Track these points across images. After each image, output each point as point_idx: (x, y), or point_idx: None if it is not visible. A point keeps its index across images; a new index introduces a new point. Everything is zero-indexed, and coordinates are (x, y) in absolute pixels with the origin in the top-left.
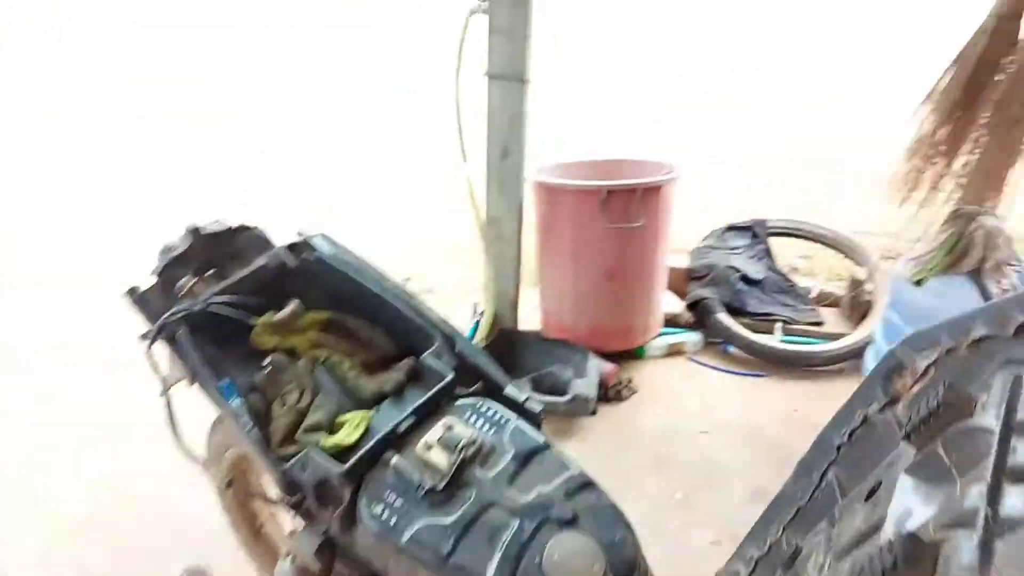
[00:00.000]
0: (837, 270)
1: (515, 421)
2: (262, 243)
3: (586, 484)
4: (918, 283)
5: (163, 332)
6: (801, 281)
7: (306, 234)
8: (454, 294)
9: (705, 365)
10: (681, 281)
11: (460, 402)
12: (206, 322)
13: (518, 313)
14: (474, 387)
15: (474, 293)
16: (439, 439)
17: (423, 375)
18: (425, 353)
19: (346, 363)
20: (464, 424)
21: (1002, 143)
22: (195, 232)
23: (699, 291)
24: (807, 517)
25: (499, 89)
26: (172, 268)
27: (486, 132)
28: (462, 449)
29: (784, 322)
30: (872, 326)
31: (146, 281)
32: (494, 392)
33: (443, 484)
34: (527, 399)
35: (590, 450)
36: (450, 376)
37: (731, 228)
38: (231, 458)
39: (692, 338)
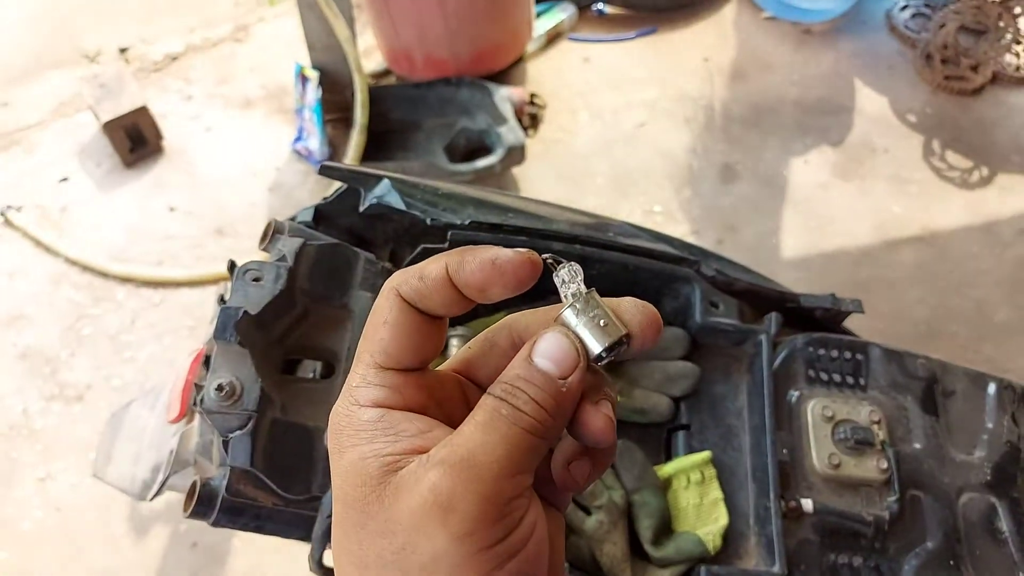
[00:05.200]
0: None
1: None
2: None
3: None
4: None
5: None
6: None
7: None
8: (259, 47)
9: (591, 40)
10: None
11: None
12: None
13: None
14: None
15: (288, 48)
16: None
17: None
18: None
19: None
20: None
21: None
22: None
23: None
24: None
25: None
26: None
27: None
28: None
29: None
30: None
31: None
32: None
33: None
34: (834, 303)
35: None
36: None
37: None
38: None
39: (567, 12)
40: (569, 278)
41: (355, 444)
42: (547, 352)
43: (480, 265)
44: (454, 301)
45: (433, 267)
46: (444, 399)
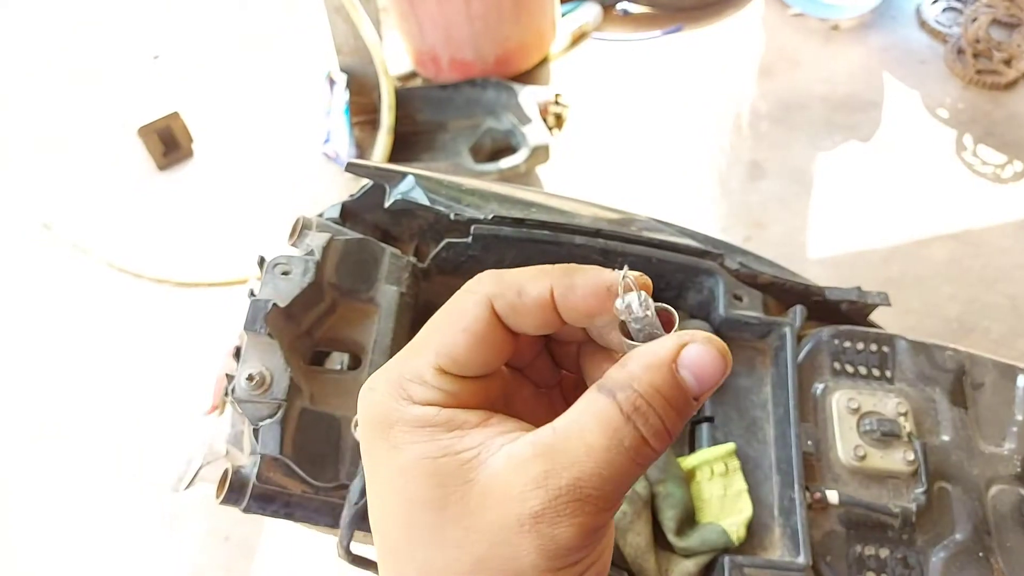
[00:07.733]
0: None
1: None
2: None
3: None
4: None
5: None
6: None
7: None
8: (288, 52)
9: (616, 40)
10: None
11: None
12: None
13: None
14: (790, 313)
15: (316, 52)
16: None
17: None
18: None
19: None
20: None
21: None
22: None
23: None
24: None
25: None
26: None
27: None
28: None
29: None
30: None
31: None
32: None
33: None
34: (860, 296)
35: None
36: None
37: None
38: None
39: (591, 12)
40: (643, 305)
41: (415, 440)
42: (696, 365)
43: (594, 290)
44: (550, 323)
45: (535, 286)
46: (490, 392)
